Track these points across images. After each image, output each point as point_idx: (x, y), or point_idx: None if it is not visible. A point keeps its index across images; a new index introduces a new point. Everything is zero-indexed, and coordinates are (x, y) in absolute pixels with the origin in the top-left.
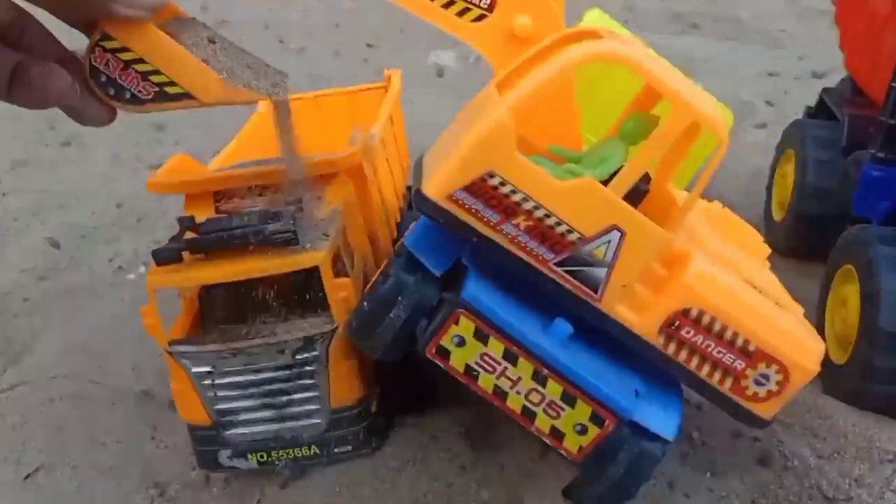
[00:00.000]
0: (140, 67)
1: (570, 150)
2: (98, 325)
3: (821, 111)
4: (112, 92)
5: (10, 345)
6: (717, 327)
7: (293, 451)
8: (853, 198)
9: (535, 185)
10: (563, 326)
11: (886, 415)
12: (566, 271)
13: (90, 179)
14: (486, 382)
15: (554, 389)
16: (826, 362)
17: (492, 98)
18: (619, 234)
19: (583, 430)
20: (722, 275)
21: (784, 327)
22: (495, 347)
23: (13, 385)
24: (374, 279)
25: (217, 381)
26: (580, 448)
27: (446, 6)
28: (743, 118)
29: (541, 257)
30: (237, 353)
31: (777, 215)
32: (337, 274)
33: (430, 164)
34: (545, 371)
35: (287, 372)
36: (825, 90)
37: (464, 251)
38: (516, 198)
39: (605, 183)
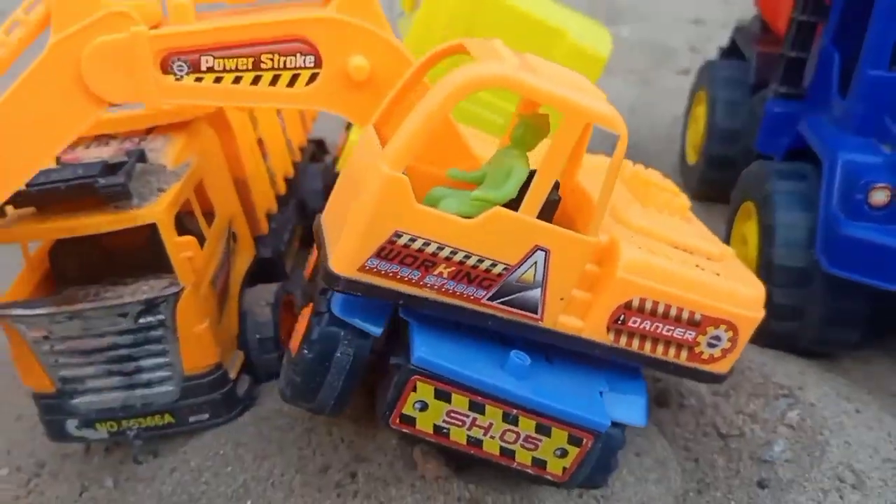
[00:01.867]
0: None
1: (468, 170)
2: None
3: (733, 51)
4: None
5: None
6: (661, 309)
7: (145, 420)
8: (757, 135)
9: (446, 231)
10: (519, 360)
11: (785, 351)
12: (502, 303)
13: None
14: (457, 436)
15: (527, 425)
16: None
17: (374, 150)
18: (543, 253)
19: (563, 454)
20: (652, 256)
21: (722, 286)
22: (459, 402)
23: None
24: (297, 339)
25: (56, 347)
26: (564, 469)
27: (273, 83)
28: (664, 63)
29: (473, 297)
30: (73, 317)
31: (691, 158)
32: (186, 231)
33: (329, 232)
34: (514, 411)
35: (131, 337)
36: (737, 29)
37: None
38: (431, 249)
39: (518, 199)
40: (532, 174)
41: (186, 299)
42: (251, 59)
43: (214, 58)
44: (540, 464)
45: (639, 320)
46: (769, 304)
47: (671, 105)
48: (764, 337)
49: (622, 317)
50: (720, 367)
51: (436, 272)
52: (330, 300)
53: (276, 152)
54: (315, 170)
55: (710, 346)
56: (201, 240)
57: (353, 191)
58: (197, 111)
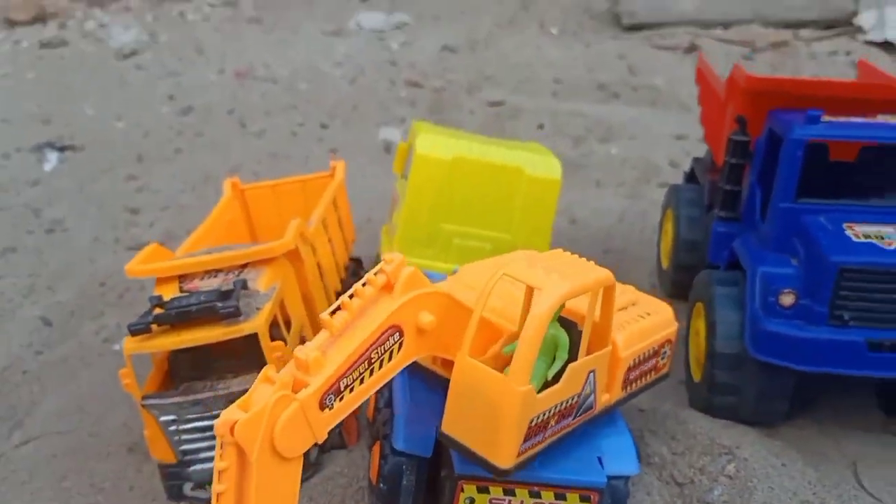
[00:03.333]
0: None
1: (514, 341)
2: (90, 391)
3: (693, 176)
4: None
5: (14, 411)
6: (642, 358)
7: None
8: (708, 248)
9: (551, 399)
10: None
11: (728, 420)
12: (578, 417)
13: (74, 261)
14: None
15: (548, 495)
16: (689, 381)
17: (487, 372)
18: (593, 373)
19: None
20: (624, 329)
21: (655, 321)
22: (496, 491)
23: (19, 444)
24: (374, 472)
25: (181, 427)
26: None
27: (381, 366)
28: (649, 178)
29: (566, 426)
30: (196, 403)
31: (664, 264)
32: (273, 338)
33: (466, 439)
34: (536, 488)
35: None
36: (695, 160)
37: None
38: (546, 416)
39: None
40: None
41: None
42: (366, 362)
43: (346, 378)
44: None
45: (635, 372)
46: (714, 383)
47: (655, 215)
48: (712, 410)
49: (628, 376)
50: (666, 370)
51: (549, 426)
52: (392, 441)
53: (329, 272)
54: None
55: (662, 358)
56: (283, 340)
57: (484, 407)
58: (280, 250)
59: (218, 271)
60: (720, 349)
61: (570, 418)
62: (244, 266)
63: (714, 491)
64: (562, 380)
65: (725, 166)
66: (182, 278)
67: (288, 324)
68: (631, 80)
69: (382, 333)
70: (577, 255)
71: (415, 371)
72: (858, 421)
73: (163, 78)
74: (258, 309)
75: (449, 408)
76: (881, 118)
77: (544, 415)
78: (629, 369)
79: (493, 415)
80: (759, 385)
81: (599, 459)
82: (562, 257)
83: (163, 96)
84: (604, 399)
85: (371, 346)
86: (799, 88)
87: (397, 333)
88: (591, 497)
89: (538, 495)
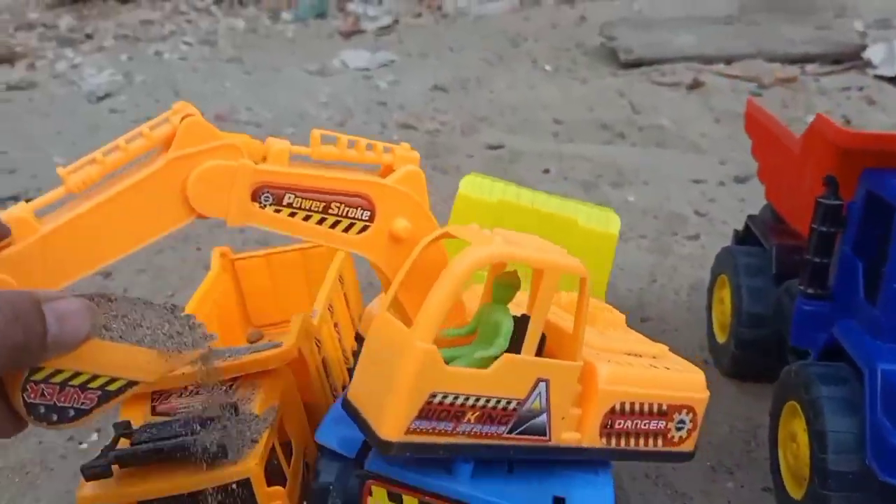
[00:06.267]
0: (76, 381)
1: (458, 326)
2: (53, 499)
3: (748, 237)
4: (55, 418)
5: None
6: (637, 408)
7: None
8: (790, 330)
9: (470, 383)
10: (465, 465)
11: None
12: (518, 434)
13: None
14: None
15: None
16: (783, 497)
17: (397, 327)
18: (545, 383)
19: None
20: (619, 366)
21: (675, 378)
22: (410, 502)
23: None
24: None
25: None
26: None
27: (333, 226)
28: (675, 230)
29: (495, 434)
30: None
31: (720, 338)
32: (271, 473)
33: (364, 406)
34: None
35: None
36: (750, 217)
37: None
38: (460, 401)
39: (511, 344)
40: (516, 320)
41: None
42: (323, 204)
43: (295, 196)
44: None
45: (623, 422)
46: None
47: (688, 272)
48: None
49: (609, 422)
50: (688, 447)
51: (465, 419)
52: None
53: (335, 366)
54: None
55: (678, 429)
56: (282, 476)
57: (385, 366)
58: (282, 360)
59: (199, 386)
60: (834, 466)
61: (503, 428)
62: (233, 380)
63: None
64: (491, 367)
65: (813, 235)
66: (155, 396)
67: (289, 454)
68: (635, 120)
69: (354, 195)
70: (553, 245)
71: None
72: None
73: (139, 121)
74: (253, 441)
75: (358, 371)
76: None
77: (456, 398)
78: (613, 413)
79: (389, 373)
80: None
81: (563, 501)
82: (535, 238)
83: None
84: (569, 436)
85: (336, 193)
86: None
87: (368, 213)
88: None
89: None
